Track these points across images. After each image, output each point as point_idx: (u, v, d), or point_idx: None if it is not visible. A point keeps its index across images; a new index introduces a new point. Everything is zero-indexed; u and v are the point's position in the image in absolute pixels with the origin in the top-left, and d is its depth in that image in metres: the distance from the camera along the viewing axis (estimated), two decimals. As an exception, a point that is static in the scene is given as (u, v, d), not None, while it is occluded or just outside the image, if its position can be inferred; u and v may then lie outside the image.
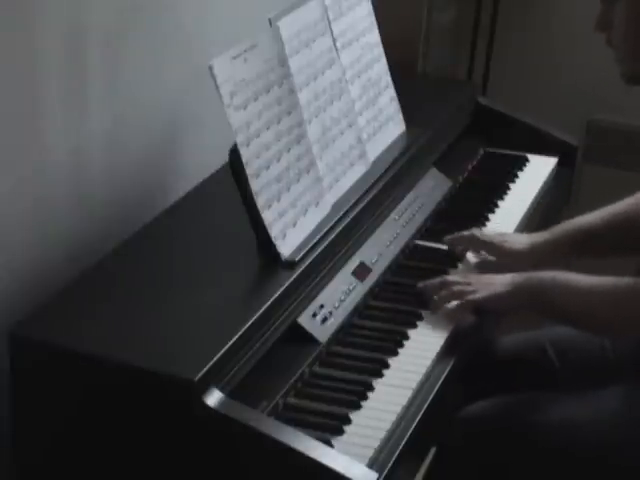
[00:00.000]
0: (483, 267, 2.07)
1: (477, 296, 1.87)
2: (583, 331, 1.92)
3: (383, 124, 2.24)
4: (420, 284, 1.95)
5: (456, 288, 1.90)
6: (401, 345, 1.83)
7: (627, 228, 2.04)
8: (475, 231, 2.12)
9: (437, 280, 1.94)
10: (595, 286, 1.81)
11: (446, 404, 1.83)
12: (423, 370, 1.77)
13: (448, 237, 2.11)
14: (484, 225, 2.26)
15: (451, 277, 1.96)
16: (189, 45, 2.13)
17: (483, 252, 2.11)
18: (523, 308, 1.89)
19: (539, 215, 2.37)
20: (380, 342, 1.84)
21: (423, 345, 1.84)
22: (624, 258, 2.05)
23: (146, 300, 1.72)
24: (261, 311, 1.68)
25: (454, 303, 1.87)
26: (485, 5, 3.35)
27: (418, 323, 1.89)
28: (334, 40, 2.10)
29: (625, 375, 1.89)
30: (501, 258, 2.08)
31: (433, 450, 2.01)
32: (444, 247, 2.13)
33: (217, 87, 1.71)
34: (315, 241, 1.86)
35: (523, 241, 2.10)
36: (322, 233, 1.89)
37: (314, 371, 1.75)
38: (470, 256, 2.11)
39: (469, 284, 1.90)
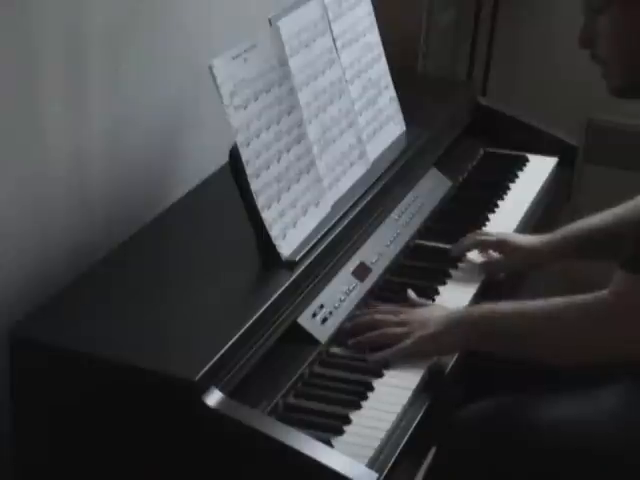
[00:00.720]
0: (490, 267, 2.09)
1: (408, 342, 1.79)
2: (524, 359, 1.83)
3: (383, 124, 2.24)
4: (349, 323, 1.85)
5: (389, 332, 1.81)
6: (401, 345, 1.83)
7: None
8: (480, 233, 2.14)
9: (367, 318, 1.85)
10: (542, 309, 1.76)
11: (446, 404, 1.83)
12: (423, 370, 1.77)
13: (455, 248, 2.11)
14: (484, 225, 2.26)
15: (382, 314, 1.85)
16: (189, 45, 2.13)
17: (491, 251, 2.11)
18: (461, 344, 1.82)
19: (539, 215, 2.37)
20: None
21: (423, 345, 1.84)
22: None
23: (146, 300, 1.72)
24: (261, 311, 1.68)
25: (383, 354, 1.78)
26: (485, 5, 3.35)
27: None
28: (334, 40, 2.10)
29: (625, 375, 1.89)
30: (512, 253, 2.09)
31: (433, 450, 2.01)
32: (444, 247, 2.13)
33: (217, 87, 1.71)
34: (315, 241, 1.86)
35: (532, 239, 2.12)
36: (322, 233, 1.89)
37: (314, 371, 1.75)
38: (474, 256, 2.11)
39: (402, 324, 1.82)
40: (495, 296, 2.01)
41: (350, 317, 1.87)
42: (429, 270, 2.07)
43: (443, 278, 2.04)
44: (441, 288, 2.01)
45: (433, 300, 1.97)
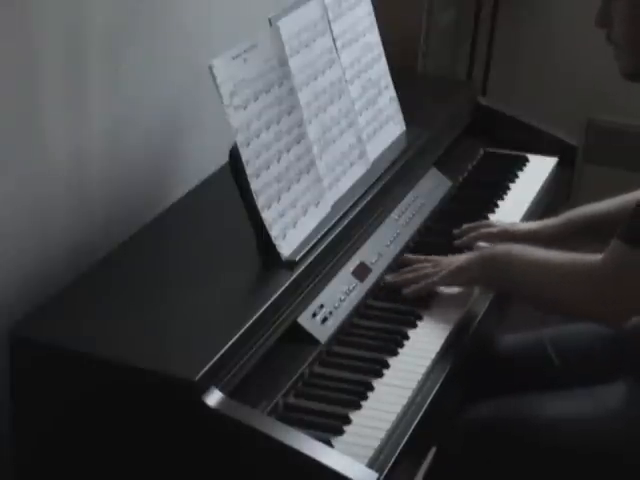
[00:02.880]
0: None
1: (435, 278, 1.95)
2: (532, 305, 1.94)
3: (383, 124, 2.24)
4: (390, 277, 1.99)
5: (419, 269, 1.97)
6: (401, 345, 1.83)
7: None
8: (482, 225, 2.18)
9: (403, 258, 2.03)
10: (551, 260, 1.84)
11: (446, 404, 1.83)
12: (423, 370, 1.77)
13: (459, 242, 2.14)
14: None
15: (412, 256, 2.05)
16: (189, 45, 2.13)
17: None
18: (479, 280, 1.95)
19: (539, 215, 2.36)
20: (380, 342, 1.84)
21: (423, 345, 1.84)
22: None
23: (146, 300, 1.72)
24: (261, 311, 1.68)
25: (415, 286, 1.94)
26: (485, 5, 3.35)
27: (418, 323, 1.89)
28: (334, 40, 2.10)
29: (625, 373, 1.89)
30: (515, 241, 2.10)
31: (433, 450, 2.01)
32: (444, 247, 2.14)
33: (217, 87, 1.71)
34: (315, 241, 1.86)
35: (532, 224, 2.19)
36: (322, 233, 1.89)
37: (314, 371, 1.75)
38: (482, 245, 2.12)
39: (434, 265, 1.97)
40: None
41: (350, 317, 1.87)
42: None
43: (443, 278, 2.04)
44: (442, 288, 2.01)
45: (433, 300, 1.97)
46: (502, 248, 1.94)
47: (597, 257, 1.76)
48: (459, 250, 2.12)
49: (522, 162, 2.54)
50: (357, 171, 2.09)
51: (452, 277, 1.94)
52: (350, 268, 1.95)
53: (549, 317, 2.00)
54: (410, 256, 2.05)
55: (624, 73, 1.82)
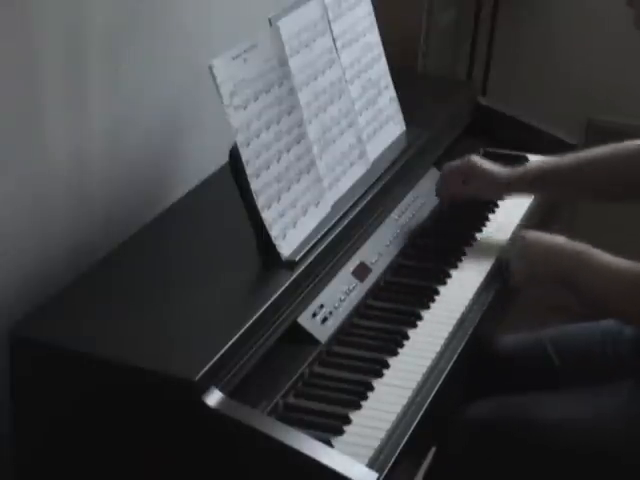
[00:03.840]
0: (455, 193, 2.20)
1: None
2: (602, 314, 1.94)
3: (383, 124, 2.24)
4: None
5: None
6: (401, 345, 1.83)
7: (607, 174, 2.12)
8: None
9: None
10: (618, 272, 1.80)
11: (446, 404, 1.83)
12: (423, 370, 1.77)
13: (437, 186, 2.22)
14: (484, 225, 2.26)
15: None
16: (189, 45, 2.13)
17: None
18: (550, 279, 1.92)
19: (539, 215, 2.37)
20: (380, 342, 1.84)
21: (423, 345, 1.84)
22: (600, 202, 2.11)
23: (146, 300, 1.72)
24: (261, 311, 1.68)
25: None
26: (485, 5, 3.35)
27: (418, 323, 1.89)
28: (334, 40, 2.10)
29: (625, 373, 1.89)
30: (477, 178, 2.20)
31: (433, 450, 2.01)
32: (444, 246, 2.14)
33: (217, 87, 1.71)
34: (315, 241, 1.86)
35: (499, 168, 2.22)
36: (322, 233, 1.89)
37: (314, 371, 1.75)
38: (474, 258, 2.13)
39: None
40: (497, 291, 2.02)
41: (350, 317, 1.87)
42: (429, 270, 2.07)
43: (443, 278, 2.04)
44: (441, 288, 2.01)
45: (433, 300, 1.97)
46: (572, 246, 1.88)
47: None
48: (458, 248, 2.12)
49: (522, 162, 2.53)
50: (357, 171, 2.09)
51: (525, 277, 1.93)
52: (350, 268, 1.95)
53: (549, 317, 2.01)
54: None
55: None
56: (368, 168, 2.13)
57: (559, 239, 1.90)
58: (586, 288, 1.84)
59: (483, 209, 2.31)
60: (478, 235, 2.21)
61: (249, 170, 1.76)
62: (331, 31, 2.09)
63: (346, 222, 1.96)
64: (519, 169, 2.23)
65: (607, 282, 1.81)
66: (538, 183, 2.19)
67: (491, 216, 2.30)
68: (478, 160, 2.22)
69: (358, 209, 2.01)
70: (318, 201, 1.93)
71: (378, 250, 2.03)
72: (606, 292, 1.81)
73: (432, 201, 2.27)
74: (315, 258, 1.84)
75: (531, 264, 1.91)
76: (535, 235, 1.94)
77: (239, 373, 1.61)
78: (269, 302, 1.70)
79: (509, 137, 2.59)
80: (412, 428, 1.66)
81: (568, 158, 2.18)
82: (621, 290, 1.79)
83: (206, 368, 1.53)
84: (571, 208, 3.00)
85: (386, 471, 1.57)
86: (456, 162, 2.23)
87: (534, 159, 2.55)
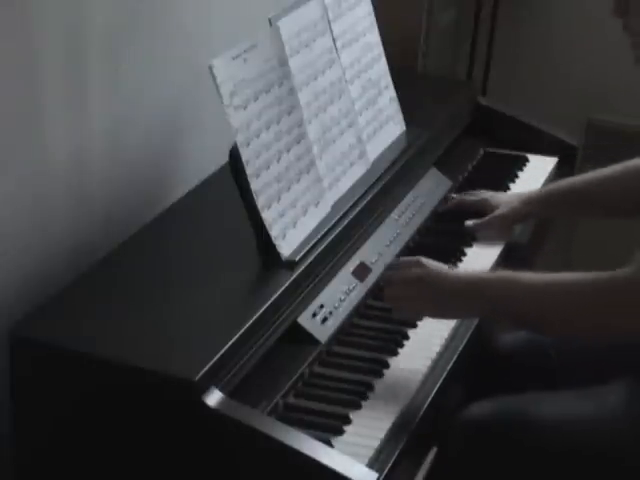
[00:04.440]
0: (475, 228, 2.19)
1: (423, 309, 1.83)
2: (538, 331, 1.86)
3: (383, 124, 2.24)
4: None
5: (403, 295, 1.82)
6: (401, 345, 1.83)
7: (619, 192, 2.12)
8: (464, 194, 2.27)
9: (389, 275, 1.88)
10: (556, 283, 1.75)
11: (446, 404, 1.83)
12: (423, 370, 1.77)
13: (443, 208, 2.23)
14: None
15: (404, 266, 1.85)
16: (189, 45, 2.13)
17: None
18: (473, 314, 1.87)
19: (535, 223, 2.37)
20: (380, 342, 1.84)
21: (423, 345, 1.84)
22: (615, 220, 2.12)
23: (146, 300, 1.72)
24: (261, 311, 1.68)
25: (404, 314, 1.87)
26: (485, 5, 3.35)
27: (418, 323, 1.89)
28: (334, 40, 2.10)
29: (625, 373, 1.89)
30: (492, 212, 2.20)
31: (433, 450, 2.01)
32: (444, 246, 2.14)
33: (217, 87, 1.71)
34: (315, 241, 1.86)
35: (511, 198, 2.24)
36: (322, 233, 1.89)
37: (314, 371, 1.75)
38: (473, 257, 2.13)
39: (418, 280, 1.80)
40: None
41: (350, 317, 1.87)
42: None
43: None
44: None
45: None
46: (495, 275, 1.85)
47: (622, 272, 1.69)
48: (458, 248, 2.12)
49: (522, 162, 2.54)
50: (357, 171, 2.09)
51: (442, 312, 1.83)
52: (350, 268, 1.95)
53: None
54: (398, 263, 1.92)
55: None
56: (368, 168, 2.13)
57: (469, 273, 1.88)
58: (519, 311, 1.77)
59: (483, 210, 2.31)
60: (478, 235, 2.21)
61: (249, 170, 1.76)
62: (331, 31, 2.09)
63: (346, 222, 1.96)
64: (536, 190, 2.27)
65: (539, 299, 1.74)
66: (556, 201, 2.20)
67: (491, 216, 2.30)
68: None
69: (358, 209, 2.01)
70: (318, 201, 1.92)
71: (378, 250, 2.03)
72: (541, 308, 1.74)
73: (432, 201, 2.27)
74: (315, 258, 1.84)
75: (446, 307, 1.82)
76: (438, 274, 1.83)
77: (239, 373, 1.61)
78: (269, 302, 1.70)
79: (509, 137, 2.60)
80: (412, 428, 1.66)
81: (580, 177, 2.20)
82: (557, 302, 1.73)
83: (206, 368, 1.53)
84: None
85: (386, 471, 1.57)
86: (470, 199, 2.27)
87: (534, 159, 2.56)
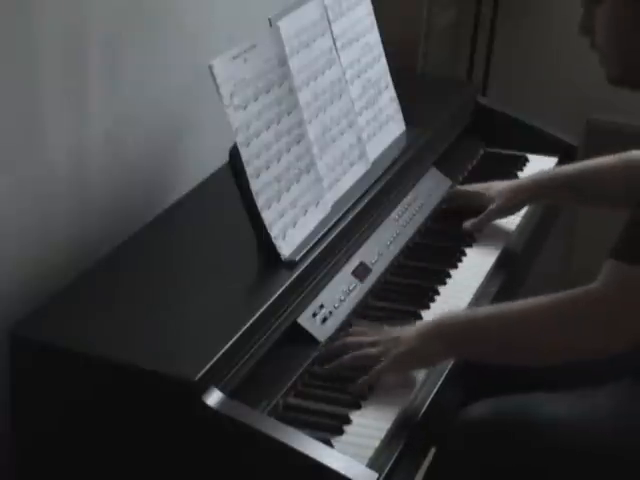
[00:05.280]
0: (475, 226, 2.20)
1: (384, 364, 1.73)
2: (503, 362, 1.81)
3: (383, 124, 2.24)
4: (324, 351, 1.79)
5: (362, 353, 1.74)
6: (401, 345, 1.83)
7: (612, 180, 2.14)
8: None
9: (339, 343, 1.78)
10: (511, 312, 1.72)
11: (446, 404, 1.83)
12: (423, 370, 1.77)
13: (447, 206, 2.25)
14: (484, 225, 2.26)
15: (354, 337, 1.79)
16: (189, 45, 2.13)
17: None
18: (438, 356, 1.78)
19: (539, 214, 2.37)
20: (380, 342, 1.84)
21: (423, 345, 1.84)
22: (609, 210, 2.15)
23: (146, 300, 1.72)
24: (261, 311, 1.68)
25: (362, 380, 1.71)
26: (485, 5, 3.35)
27: (418, 323, 1.88)
28: (334, 40, 2.10)
29: (625, 373, 1.89)
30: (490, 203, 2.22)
31: (433, 450, 2.01)
32: (444, 246, 2.14)
33: (217, 87, 1.71)
34: (315, 241, 1.86)
35: (506, 186, 2.24)
36: (322, 233, 1.89)
37: (314, 371, 1.75)
38: (472, 256, 2.13)
39: (374, 344, 1.76)
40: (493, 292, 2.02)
41: (350, 317, 1.87)
42: (429, 270, 2.06)
43: (443, 278, 2.04)
44: (441, 288, 2.01)
45: (433, 300, 1.97)
46: (446, 313, 1.80)
47: (583, 288, 1.66)
48: (458, 248, 2.12)
49: (522, 162, 2.54)
50: (357, 171, 2.09)
51: (408, 358, 1.74)
52: (350, 268, 1.95)
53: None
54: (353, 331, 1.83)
55: (609, 79, 1.82)
56: (368, 168, 2.13)
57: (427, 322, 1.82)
58: (478, 343, 1.76)
59: (483, 210, 2.31)
60: (478, 235, 2.21)
61: (249, 170, 1.76)
62: (331, 31, 2.09)
63: (346, 222, 1.96)
64: (528, 177, 2.29)
65: (517, 325, 1.72)
66: (548, 189, 2.22)
67: (491, 216, 2.30)
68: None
69: (358, 209, 2.01)
70: (318, 201, 1.93)
71: (378, 250, 2.03)
72: (521, 336, 1.72)
73: (432, 201, 2.27)
74: (315, 258, 1.84)
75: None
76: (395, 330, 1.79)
77: (239, 373, 1.61)
78: (269, 302, 1.70)
79: (509, 137, 2.59)
80: (412, 428, 1.66)
81: (580, 165, 2.22)
82: (543, 327, 1.70)
83: (206, 368, 1.53)
84: (571, 211, 3.00)
85: (386, 471, 1.57)
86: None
87: (534, 159, 2.56)
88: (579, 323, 1.68)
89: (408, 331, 1.78)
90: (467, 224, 2.20)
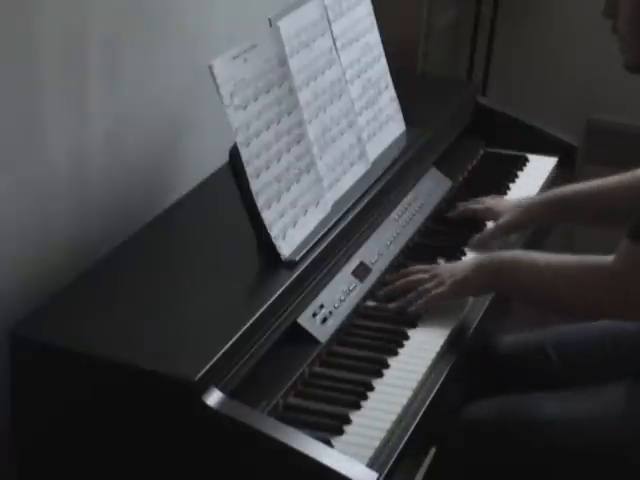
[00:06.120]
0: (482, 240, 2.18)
1: (441, 290, 1.89)
2: (542, 309, 1.98)
3: (383, 124, 2.24)
4: (384, 291, 1.95)
5: (420, 288, 1.91)
6: (401, 345, 1.83)
7: (626, 200, 2.11)
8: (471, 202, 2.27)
9: (401, 282, 1.94)
10: (559, 267, 1.83)
11: (446, 404, 1.83)
12: (423, 370, 1.77)
13: (451, 213, 2.25)
14: (484, 225, 2.26)
15: (414, 272, 1.96)
16: (189, 45, 2.13)
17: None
18: (488, 287, 1.93)
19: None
20: (380, 342, 1.84)
21: (423, 345, 1.84)
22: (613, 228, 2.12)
23: (146, 300, 1.72)
24: (261, 311, 1.68)
25: (420, 302, 1.89)
26: (485, 5, 3.35)
27: (418, 323, 1.89)
28: (334, 40, 2.10)
29: (625, 373, 1.89)
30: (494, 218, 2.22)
31: (433, 450, 2.01)
32: (444, 247, 2.14)
33: (217, 87, 1.71)
34: (315, 241, 1.86)
35: (511, 205, 2.23)
36: (322, 233, 1.89)
37: (314, 371, 1.75)
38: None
39: (433, 276, 1.92)
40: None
41: (350, 317, 1.87)
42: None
43: (443, 278, 2.04)
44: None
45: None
46: (507, 255, 1.93)
47: (607, 259, 1.76)
48: (455, 253, 2.12)
49: (522, 162, 2.54)
50: (357, 171, 2.09)
51: (460, 288, 1.90)
52: (350, 268, 1.95)
53: (549, 317, 2.01)
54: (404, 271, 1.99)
55: (627, 66, 1.82)
56: (368, 168, 2.13)
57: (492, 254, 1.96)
58: (530, 292, 1.88)
59: (486, 218, 2.31)
60: (477, 235, 2.21)
61: (249, 170, 1.76)
62: (331, 31, 2.09)
63: (346, 222, 1.96)
64: (537, 196, 2.29)
65: (549, 280, 1.83)
66: (557, 208, 2.19)
67: (491, 216, 2.30)
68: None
69: (358, 209, 2.01)
70: (318, 201, 1.93)
71: (378, 250, 2.03)
72: (551, 290, 1.84)
73: (432, 201, 2.27)
74: (315, 258, 1.84)
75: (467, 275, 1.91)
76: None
77: (239, 373, 1.61)
78: (269, 302, 1.70)
79: (509, 137, 2.59)
80: (412, 428, 1.66)
81: (588, 184, 2.20)
82: (564, 286, 1.81)
83: (206, 368, 1.53)
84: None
85: (386, 471, 1.57)
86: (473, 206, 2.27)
87: (534, 159, 2.56)
88: (592, 290, 1.78)
89: (463, 263, 1.97)
90: (473, 241, 2.17)
